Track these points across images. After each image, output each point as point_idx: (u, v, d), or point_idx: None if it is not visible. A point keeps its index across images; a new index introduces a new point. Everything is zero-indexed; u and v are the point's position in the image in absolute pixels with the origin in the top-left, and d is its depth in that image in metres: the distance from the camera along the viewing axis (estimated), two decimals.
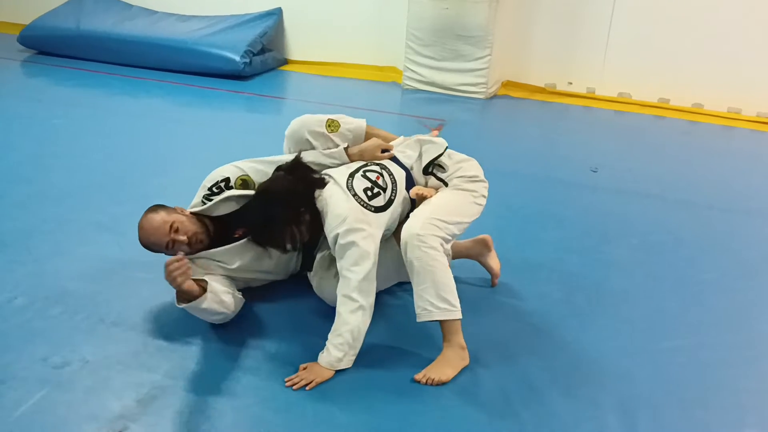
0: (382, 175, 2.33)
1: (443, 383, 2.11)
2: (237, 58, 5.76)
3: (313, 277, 2.43)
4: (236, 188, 2.43)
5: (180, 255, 2.14)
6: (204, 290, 2.20)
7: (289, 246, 2.22)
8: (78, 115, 4.73)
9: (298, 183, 2.24)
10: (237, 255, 2.40)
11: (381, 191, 2.28)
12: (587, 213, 3.52)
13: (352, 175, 2.29)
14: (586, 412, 2.03)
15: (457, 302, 2.16)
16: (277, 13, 6.39)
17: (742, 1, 5.31)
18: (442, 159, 2.41)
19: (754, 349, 2.42)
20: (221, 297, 2.25)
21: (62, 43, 6.30)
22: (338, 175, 2.29)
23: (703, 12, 5.40)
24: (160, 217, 2.32)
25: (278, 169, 2.32)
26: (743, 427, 2.03)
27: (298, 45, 6.58)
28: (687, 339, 2.44)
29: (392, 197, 2.30)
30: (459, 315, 2.16)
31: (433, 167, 2.41)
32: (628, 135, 5.11)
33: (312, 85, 6.04)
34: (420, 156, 2.43)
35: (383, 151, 2.43)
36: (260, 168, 2.45)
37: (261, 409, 1.97)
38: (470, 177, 2.40)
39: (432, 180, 2.42)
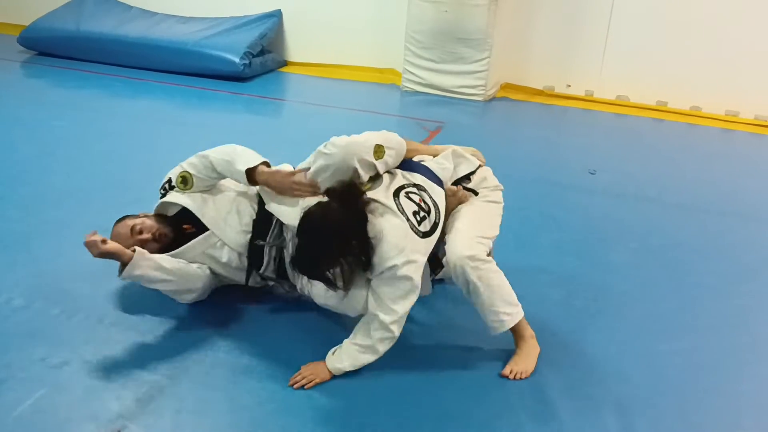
0: (422, 197, 2.18)
1: (528, 376, 2.17)
2: (237, 60, 5.76)
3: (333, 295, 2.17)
4: (177, 185, 2.46)
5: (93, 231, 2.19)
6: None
7: (331, 278, 2.04)
8: (78, 117, 4.73)
9: (351, 214, 2.02)
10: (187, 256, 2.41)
11: (426, 215, 2.14)
12: (586, 216, 3.52)
13: (396, 195, 2.13)
14: (585, 414, 2.03)
15: (516, 300, 2.22)
16: (276, 15, 6.39)
17: (740, 4, 5.32)
18: None
19: (751, 352, 2.43)
20: (160, 263, 2.28)
21: (62, 45, 6.28)
22: (383, 197, 2.11)
23: (701, 15, 5.40)
24: (123, 224, 2.41)
25: (328, 192, 2.08)
26: (740, 429, 2.04)
27: (298, 47, 6.57)
28: (685, 341, 2.45)
29: (437, 221, 2.17)
30: (522, 311, 2.23)
31: (461, 180, 2.39)
32: (627, 137, 5.12)
33: (311, 87, 6.05)
34: (454, 170, 2.37)
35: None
36: (194, 161, 2.45)
37: (260, 411, 1.98)
38: (494, 186, 2.40)
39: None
